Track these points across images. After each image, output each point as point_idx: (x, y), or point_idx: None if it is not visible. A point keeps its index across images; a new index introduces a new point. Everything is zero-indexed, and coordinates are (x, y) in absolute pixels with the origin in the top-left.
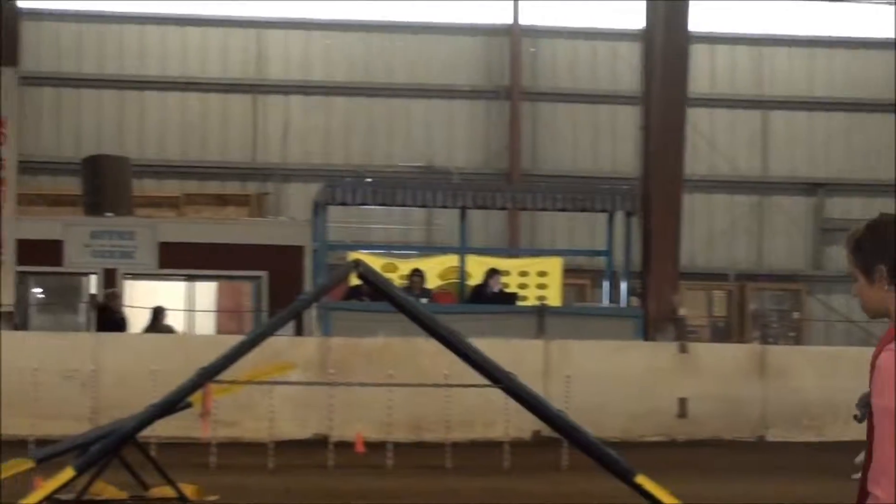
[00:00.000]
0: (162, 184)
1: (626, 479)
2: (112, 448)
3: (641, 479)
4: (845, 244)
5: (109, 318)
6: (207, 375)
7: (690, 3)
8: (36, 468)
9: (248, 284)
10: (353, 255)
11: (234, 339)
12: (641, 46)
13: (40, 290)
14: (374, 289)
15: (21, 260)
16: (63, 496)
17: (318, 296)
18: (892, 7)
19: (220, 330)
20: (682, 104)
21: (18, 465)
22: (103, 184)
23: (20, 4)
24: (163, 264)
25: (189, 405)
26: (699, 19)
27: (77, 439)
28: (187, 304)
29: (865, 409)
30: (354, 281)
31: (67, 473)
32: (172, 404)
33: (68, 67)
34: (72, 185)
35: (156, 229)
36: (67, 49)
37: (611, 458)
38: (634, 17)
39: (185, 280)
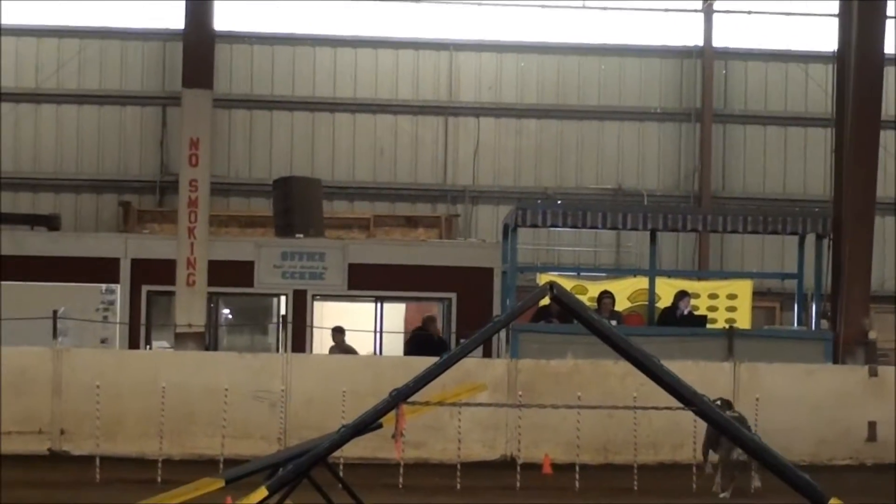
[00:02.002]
0: (352, 205)
1: None
2: (305, 468)
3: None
4: None
5: (426, 341)
6: (401, 397)
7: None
8: (226, 488)
9: (437, 306)
10: (543, 277)
11: (422, 361)
12: (834, 68)
13: (228, 310)
14: (569, 311)
15: (212, 281)
16: None
17: (513, 317)
18: None
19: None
20: (875, 126)
21: (209, 485)
22: (294, 205)
23: (214, 27)
24: (352, 285)
25: (380, 426)
26: (892, 41)
27: (267, 459)
28: (376, 325)
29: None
30: (544, 302)
31: (261, 493)
32: (366, 425)
33: (261, 89)
34: (263, 207)
35: (346, 250)
36: (260, 71)
37: (804, 483)
38: (826, 38)
39: (373, 301)
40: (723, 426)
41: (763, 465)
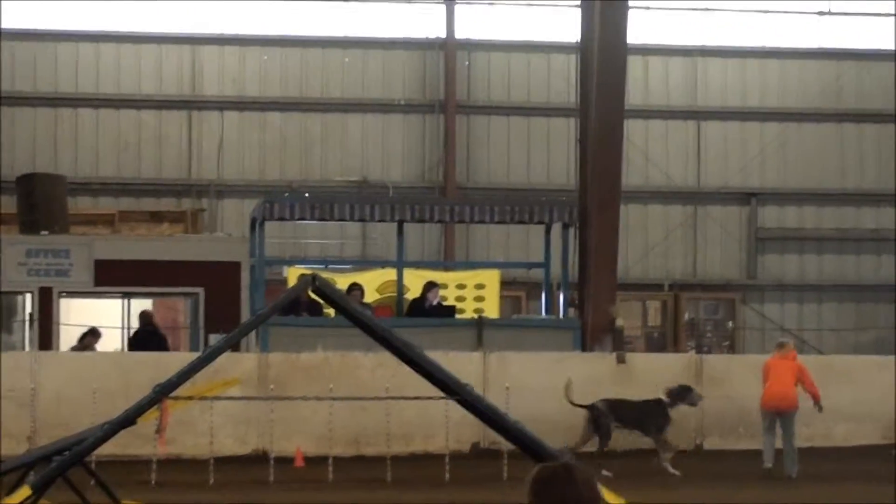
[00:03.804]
0: (97, 201)
1: None
2: (69, 465)
3: None
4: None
5: (151, 336)
6: (164, 391)
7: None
8: None
9: (185, 301)
10: (291, 271)
11: (168, 357)
12: (577, 58)
13: None
14: (331, 303)
15: None
16: None
17: (274, 311)
18: (821, 17)
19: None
20: (619, 116)
21: None
22: (38, 202)
23: None
24: (99, 282)
25: (133, 423)
26: (632, 31)
27: (20, 459)
28: (123, 322)
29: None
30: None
31: (24, 492)
32: (130, 421)
33: (2, 85)
34: (6, 204)
35: (91, 247)
36: (1, 67)
37: None
38: (567, 29)
39: (121, 297)
40: (486, 416)
41: (524, 452)
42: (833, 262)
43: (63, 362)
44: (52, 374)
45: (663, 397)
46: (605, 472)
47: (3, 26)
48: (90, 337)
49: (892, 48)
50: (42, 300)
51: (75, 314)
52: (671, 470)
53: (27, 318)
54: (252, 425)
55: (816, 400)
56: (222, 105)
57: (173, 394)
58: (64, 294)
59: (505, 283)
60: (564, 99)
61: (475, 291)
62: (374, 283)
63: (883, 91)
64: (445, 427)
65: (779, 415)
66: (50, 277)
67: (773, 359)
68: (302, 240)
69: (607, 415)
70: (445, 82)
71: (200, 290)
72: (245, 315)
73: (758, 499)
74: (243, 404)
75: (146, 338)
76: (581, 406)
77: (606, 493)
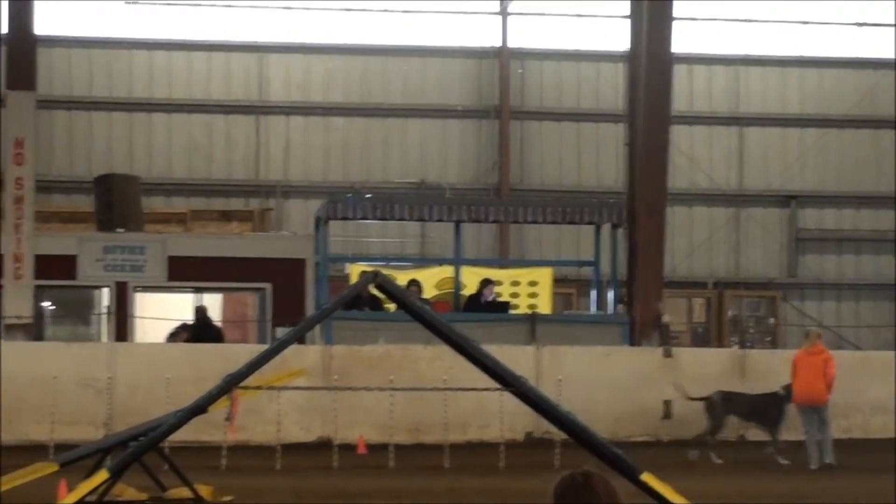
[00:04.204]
0: (169, 201)
1: (632, 478)
2: (144, 450)
3: (647, 477)
4: (553, 491)
5: (206, 330)
6: (234, 381)
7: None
8: (60, 471)
9: (253, 296)
10: (354, 268)
11: (239, 349)
12: (626, 67)
13: (49, 302)
14: (392, 299)
15: (36, 274)
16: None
17: (338, 305)
18: (858, 28)
19: (225, 339)
20: (665, 122)
21: (43, 469)
22: (114, 201)
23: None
24: (171, 277)
25: (205, 410)
26: (677, 41)
27: (97, 444)
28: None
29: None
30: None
31: (102, 475)
32: (202, 409)
33: (80, 91)
34: (84, 203)
35: (165, 244)
36: (79, 73)
37: (618, 458)
38: (617, 39)
39: (192, 292)
40: (540, 406)
41: (577, 442)
42: (870, 262)
43: (138, 353)
44: (128, 364)
45: (780, 391)
46: (716, 460)
47: (82, 35)
48: (183, 332)
49: None
50: (118, 294)
51: (149, 308)
52: (782, 461)
53: (104, 311)
54: (317, 414)
55: (828, 390)
56: (288, 110)
57: (242, 383)
58: (139, 288)
59: (557, 281)
60: (613, 105)
61: (528, 288)
62: (432, 280)
63: None
64: (500, 417)
65: (811, 409)
66: (125, 272)
67: (800, 353)
68: (364, 238)
69: (721, 405)
70: (500, 89)
71: (268, 286)
72: (310, 309)
73: (798, 488)
74: (308, 394)
75: (201, 331)
76: (698, 399)
77: (668, 491)
